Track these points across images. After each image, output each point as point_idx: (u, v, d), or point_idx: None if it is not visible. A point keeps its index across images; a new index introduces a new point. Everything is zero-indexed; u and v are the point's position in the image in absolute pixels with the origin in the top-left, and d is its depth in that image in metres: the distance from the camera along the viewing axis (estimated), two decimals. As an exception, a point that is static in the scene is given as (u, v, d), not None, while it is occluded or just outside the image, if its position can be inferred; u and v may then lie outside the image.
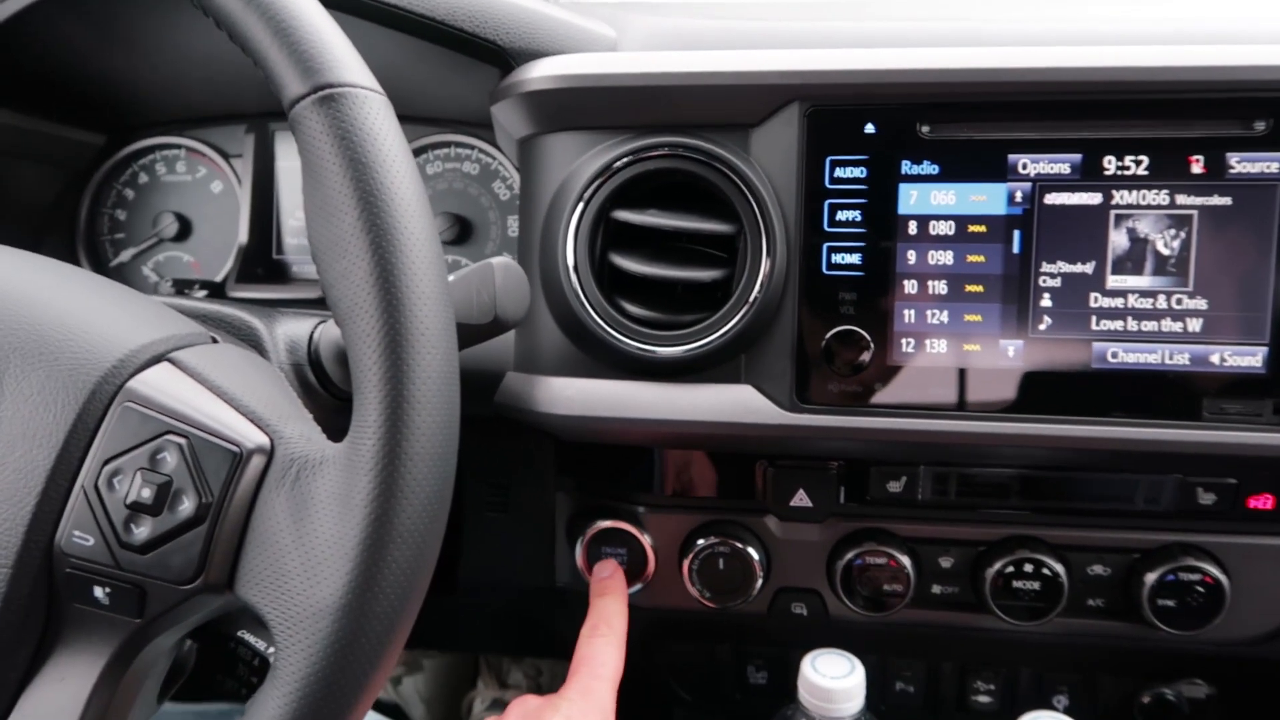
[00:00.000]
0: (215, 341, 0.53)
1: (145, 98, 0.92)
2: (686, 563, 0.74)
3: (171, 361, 0.48)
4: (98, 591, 0.44)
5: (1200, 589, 0.68)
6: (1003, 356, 0.63)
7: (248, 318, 0.61)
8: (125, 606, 0.44)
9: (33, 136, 0.89)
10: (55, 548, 0.44)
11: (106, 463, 0.44)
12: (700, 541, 0.74)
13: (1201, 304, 0.61)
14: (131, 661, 0.46)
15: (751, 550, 0.73)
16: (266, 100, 0.91)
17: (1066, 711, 0.78)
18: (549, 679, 1.34)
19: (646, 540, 0.75)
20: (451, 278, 0.54)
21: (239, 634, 0.55)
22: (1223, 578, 0.68)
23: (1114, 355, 0.62)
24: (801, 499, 0.72)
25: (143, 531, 0.44)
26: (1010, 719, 0.69)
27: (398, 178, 0.44)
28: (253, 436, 0.45)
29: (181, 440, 0.44)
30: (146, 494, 0.43)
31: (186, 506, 0.43)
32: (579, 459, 0.79)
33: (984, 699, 0.84)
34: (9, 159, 0.89)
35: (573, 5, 0.76)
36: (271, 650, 0.54)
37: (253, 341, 0.60)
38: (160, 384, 0.46)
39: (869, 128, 0.63)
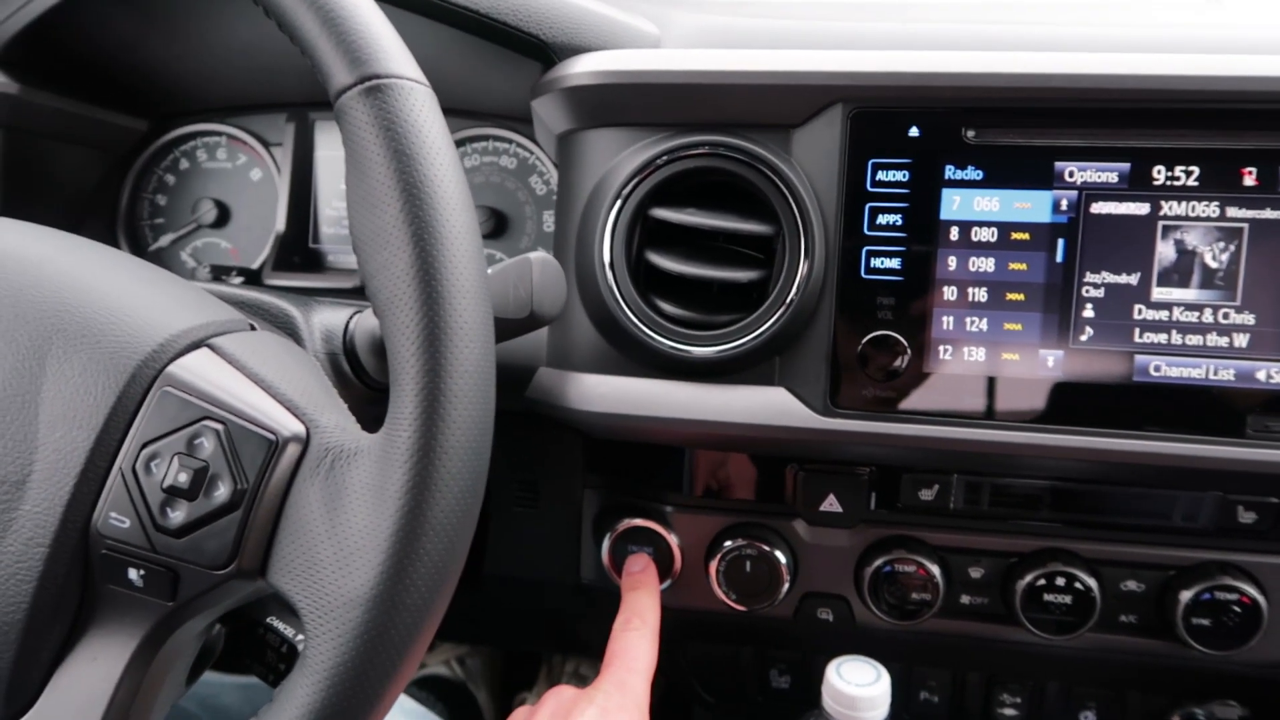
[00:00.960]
0: (253, 329, 0.53)
1: (188, 85, 0.93)
2: (714, 564, 0.74)
3: (211, 348, 0.48)
4: (132, 574, 0.45)
5: (1237, 609, 0.67)
6: (1042, 366, 0.62)
7: (285, 305, 0.61)
8: (158, 589, 0.45)
9: (78, 121, 0.90)
10: (92, 529, 0.45)
11: (145, 446, 0.45)
12: (728, 543, 0.74)
13: (1249, 319, 0.60)
14: (163, 644, 0.46)
15: (779, 554, 0.73)
16: (307, 89, 0.92)
17: (1094, 728, 0.77)
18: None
19: (674, 540, 0.75)
20: (489, 271, 0.54)
21: (268, 620, 0.55)
22: (1260, 598, 0.66)
23: (1157, 369, 0.61)
24: (831, 504, 0.71)
25: (178, 516, 0.44)
26: (1036, 733, 0.68)
27: (442, 170, 0.44)
28: (289, 425, 0.45)
29: (219, 426, 0.45)
30: (183, 478, 0.44)
31: (222, 492, 0.44)
32: (608, 456, 0.78)
33: (1009, 712, 0.83)
34: (53, 142, 0.90)
35: (615, 1, 0.75)
36: (299, 638, 0.55)
37: (289, 329, 0.60)
38: (199, 369, 0.46)
39: (913, 131, 0.63)
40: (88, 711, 0.45)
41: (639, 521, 0.76)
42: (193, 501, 0.44)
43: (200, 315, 0.50)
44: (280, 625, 0.55)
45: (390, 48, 0.45)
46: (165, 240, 0.98)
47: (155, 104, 0.96)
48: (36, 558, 0.44)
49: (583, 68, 0.67)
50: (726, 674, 0.89)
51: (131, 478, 0.44)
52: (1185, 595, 0.67)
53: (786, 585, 0.73)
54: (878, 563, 0.71)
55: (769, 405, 0.65)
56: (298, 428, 0.45)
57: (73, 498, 0.44)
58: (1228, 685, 0.78)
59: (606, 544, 0.76)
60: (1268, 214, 0.59)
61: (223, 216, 0.97)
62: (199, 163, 0.98)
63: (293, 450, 0.45)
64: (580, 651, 1.30)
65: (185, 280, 0.55)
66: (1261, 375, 0.60)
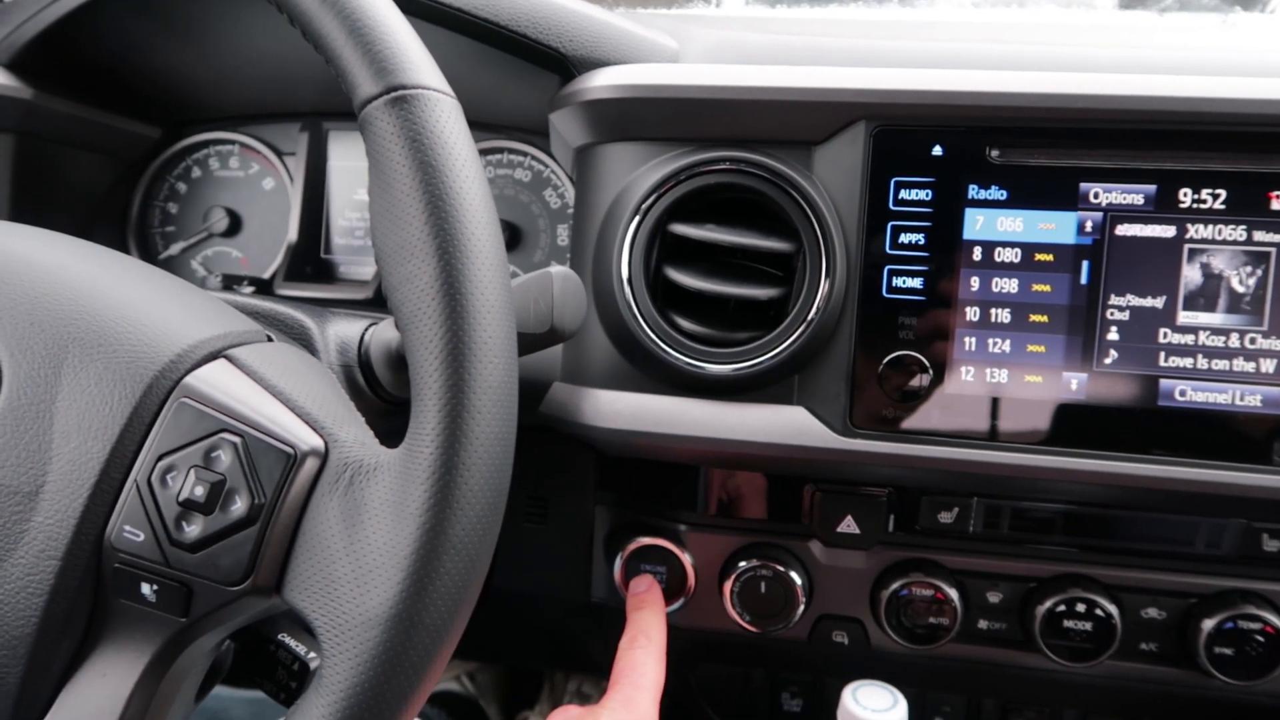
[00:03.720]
0: (270, 340, 0.52)
1: (202, 93, 0.93)
2: (728, 585, 0.73)
3: (228, 359, 0.47)
4: (145, 588, 0.44)
5: (1260, 638, 0.66)
6: (1065, 389, 0.61)
7: (300, 317, 0.60)
8: (171, 605, 0.44)
9: (90, 126, 0.89)
10: (105, 542, 0.44)
11: (161, 458, 0.44)
12: (742, 564, 0.73)
13: (1277, 344, 0.59)
14: (174, 660, 0.45)
15: (794, 575, 0.72)
16: (322, 99, 0.91)
17: (1110, 757, 0.76)
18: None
19: (687, 559, 0.74)
20: (510, 285, 0.53)
21: (279, 636, 0.54)
22: (1284, 628, 0.65)
23: (1182, 393, 0.60)
24: (849, 525, 0.70)
25: (194, 530, 0.43)
26: (1052, 761, 0.67)
27: (467, 183, 0.43)
28: (307, 439, 0.44)
29: (236, 439, 0.44)
30: (199, 492, 0.43)
31: (239, 507, 0.43)
32: (621, 473, 0.78)
33: (1025, 739, 0.82)
34: (66, 147, 0.90)
35: (634, 16, 0.75)
36: (311, 655, 0.54)
37: (304, 341, 0.60)
38: (217, 381, 0.46)
39: (936, 150, 0.62)
40: (96, 728, 0.44)
41: (652, 540, 0.75)
42: (209, 516, 0.43)
43: (218, 326, 0.49)
44: (292, 642, 0.54)
45: (417, 58, 0.45)
46: (176, 248, 0.98)
47: (168, 111, 0.96)
48: (48, 570, 0.43)
49: (602, 81, 0.67)
50: (737, 695, 0.88)
51: (147, 490, 0.44)
52: (1208, 624, 0.66)
53: (801, 607, 0.72)
54: (894, 586, 0.70)
55: (787, 425, 0.64)
56: (316, 441, 0.44)
57: (86, 510, 0.43)
58: (1249, 716, 0.76)
59: (619, 562, 0.76)
60: (1296, 238, 0.59)
61: (234, 225, 0.97)
62: (211, 171, 0.98)
63: (311, 464, 0.44)
64: (586, 670, 1.29)
65: (202, 290, 0.55)
66: (1289, 401, 0.59)
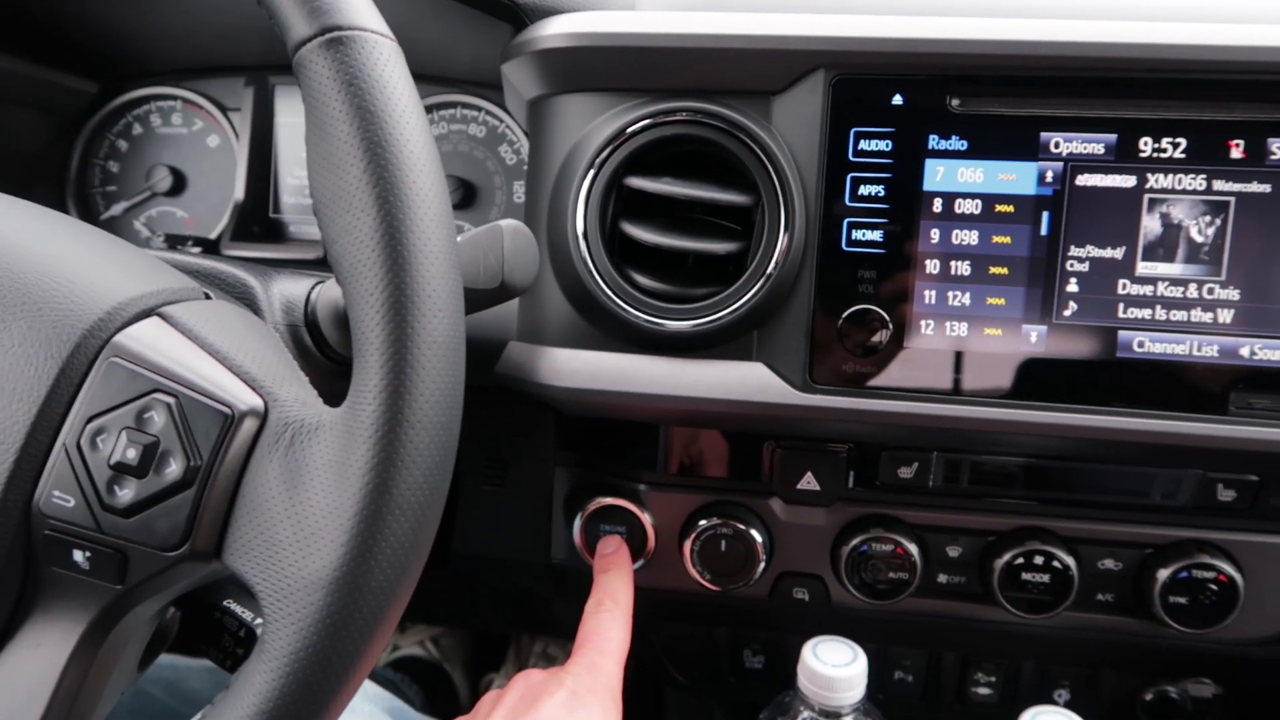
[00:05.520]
0: (208, 298, 0.50)
1: (141, 45, 0.89)
2: (688, 544, 0.72)
3: (161, 316, 0.45)
4: (77, 555, 0.42)
5: (1214, 587, 0.66)
6: (1025, 342, 0.61)
7: (242, 275, 0.58)
8: (106, 572, 0.42)
9: (21, 81, 0.86)
10: (34, 508, 0.42)
11: (90, 421, 0.42)
12: (702, 522, 0.72)
13: (1234, 295, 0.59)
14: (111, 629, 0.44)
15: (754, 533, 0.71)
16: (267, 52, 0.88)
17: (1068, 706, 0.77)
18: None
19: (647, 519, 0.73)
20: (458, 240, 0.51)
21: (224, 603, 0.53)
22: (1237, 576, 0.66)
23: (1140, 344, 0.60)
24: (809, 482, 0.70)
25: (126, 494, 0.41)
26: (1010, 712, 0.67)
27: (408, 129, 0.41)
28: (245, 398, 0.43)
29: (170, 399, 0.42)
30: (131, 454, 0.41)
31: (174, 469, 0.41)
32: (580, 433, 0.76)
33: (984, 691, 0.82)
34: (-3, 104, 0.86)
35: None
36: (259, 622, 0.52)
37: (247, 300, 0.58)
38: (149, 339, 0.44)
39: (896, 99, 0.61)
40: (32, 699, 0.42)
41: (611, 500, 0.74)
42: (142, 479, 0.41)
43: (150, 282, 0.47)
44: (238, 608, 0.52)
45: (353, -1, 0.43)
46: (118, 209, 0.94)
47: (105, 65, 0.92)
48: (-27, 539, 0.41)
49: (556, 29, 0.64)
50: (700, 654, 0.88)
51: (76, 454, 0.42)
52: (1163, 574, 0.67)
53: (762, 565, 0.72)
54: (855, 542, 0.70)
55: (746, 380, 0.63)
56: (255, 401, 0.43)
57: (11, 476, 0.41)
58: (1202, 663, 0.78)
59: (578, 523, 0.75)
60: (1254, 187, 0.58)
61: (178, 184, 0.94)
62: (153, 128, 0.94)
63: (250, 425, 0.42)
64: (552, 632, 1.29)
65: (136, 247, 0.52)
66: (1245, 351, 0.59)
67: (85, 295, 0.44)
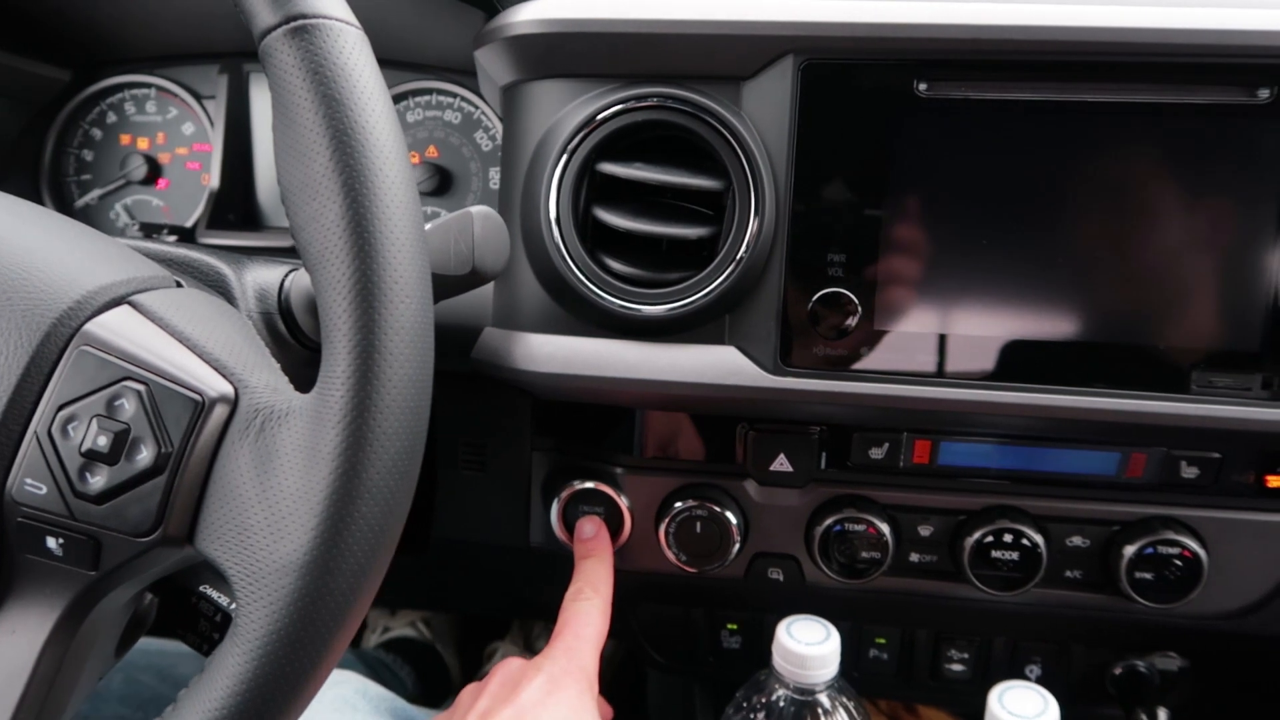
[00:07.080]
0: (180, 286, 0.50)
1: (114, 32, 0.89)
2: (663, 526, 0.73)
3: (132, 304, 0.45)
4: (50, 542, 0.42)
5: (1178, 562, 0.68)
6: (994, 323, 0.62)
7: (215, 263, 0.58)
8: (79, 558, 0.42)
9: (-6, 69, 0.85)
10: (6, 496, 0.42)
11: (61, 408, 0.42)
12: (678, 504, 0.73)
13: (1195, 275, 0.60)
14: (86, 615, 0.44)
15: (729, 514, 0.72)
16: (242, 40, 0.88)
17: (1039, 681, 0.78)
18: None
19: (623, 502, 0.74)
20: (429, 226, 0.52)
21: (200, 589, 0.53)
22: (1201, 551, 0.67)
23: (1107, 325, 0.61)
24: (782, 464, 0.70)
25: (98, 481, 0.42)
26: (982, 688, 0.69)
27: (374, 116, 0.42)
28: (216, 385, 0.43)
29: (141, 387, 0.42)
30: (103, 442, 0.42)
31: (145, 456, 0.42)
32: (557, 418, 0.77)
33: (957, 667, 0.84)
34: (-31, 92, 0.86)
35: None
36: (233, 606, 0.53)
37: (220, 288, 0.58)
38: (120, 328, 0.44)
39: (865, 83, 0.61)
40: (8, 684, 0.43)
41: (588, 484, 0.74)
42: (114, 466, 0.42)
43: (121, 270, 0.47)
44: (213, 593, 0.53)
45: (318, -14, 0.43)
46: (93, 197, 0.94)
47: (79, 52, 0.91)
48: (-55, 527, 0.41)
49: (528, 15, 0.65)
50: (677, 635, 0.89)
51: (47, 441, 0.42)
52: (1129, 550, 0.68)
53: (737, 546, 0.73)
54: (828, 522, 0.71)
55: (719, 364, 0.64)
56: (225, 388, 0.43)
57: None
58: (1169, 638, 0.79)
59: (556, 507, 0.75)
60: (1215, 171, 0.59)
61: (153, 172, 0.93)
62: (127, 116, 0.94)
63: (220, 411, 0.43)
64: (536, 615, 1.29)
65: (106, 236, 0.52)
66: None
67: (55, 284, 0.44)
